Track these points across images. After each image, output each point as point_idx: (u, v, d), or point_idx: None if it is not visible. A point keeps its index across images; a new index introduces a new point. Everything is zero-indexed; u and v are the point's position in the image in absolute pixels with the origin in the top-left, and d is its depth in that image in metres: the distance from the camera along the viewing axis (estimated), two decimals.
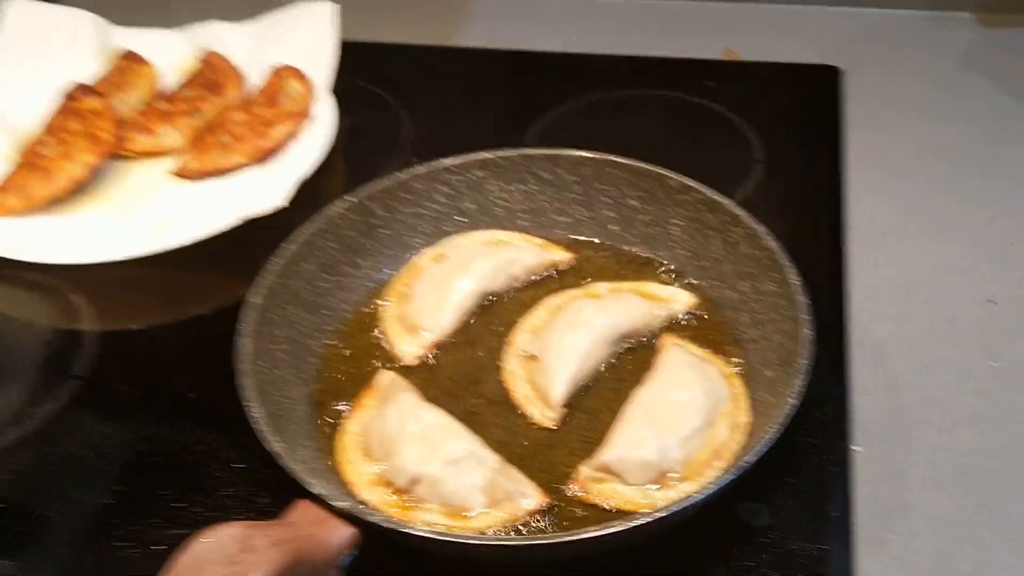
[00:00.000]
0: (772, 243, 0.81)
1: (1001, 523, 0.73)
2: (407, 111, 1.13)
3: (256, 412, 0.71)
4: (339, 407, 0.79)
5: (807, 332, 0.74)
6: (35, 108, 1.07)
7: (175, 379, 0.86)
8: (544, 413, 0.78)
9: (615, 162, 0.90)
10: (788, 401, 0.69)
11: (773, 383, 0.76)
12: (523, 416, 0.79)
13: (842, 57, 1.17)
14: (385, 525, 0.65)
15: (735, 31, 1.23)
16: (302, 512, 0.65)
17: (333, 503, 0.65)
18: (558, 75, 1.19)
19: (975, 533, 0.73)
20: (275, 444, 0.68)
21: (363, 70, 1.16)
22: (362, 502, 0.71)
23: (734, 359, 0.81)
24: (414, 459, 0.73)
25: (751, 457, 0.67)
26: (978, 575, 0.70)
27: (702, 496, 0.65)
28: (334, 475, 0.74)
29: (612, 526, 0.64)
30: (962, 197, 0.99)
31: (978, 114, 1.09)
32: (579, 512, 0.71)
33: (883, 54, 1.18)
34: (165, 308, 0.93)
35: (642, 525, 0.64)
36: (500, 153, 0.92)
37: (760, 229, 0.82)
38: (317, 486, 0.66)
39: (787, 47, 1.20)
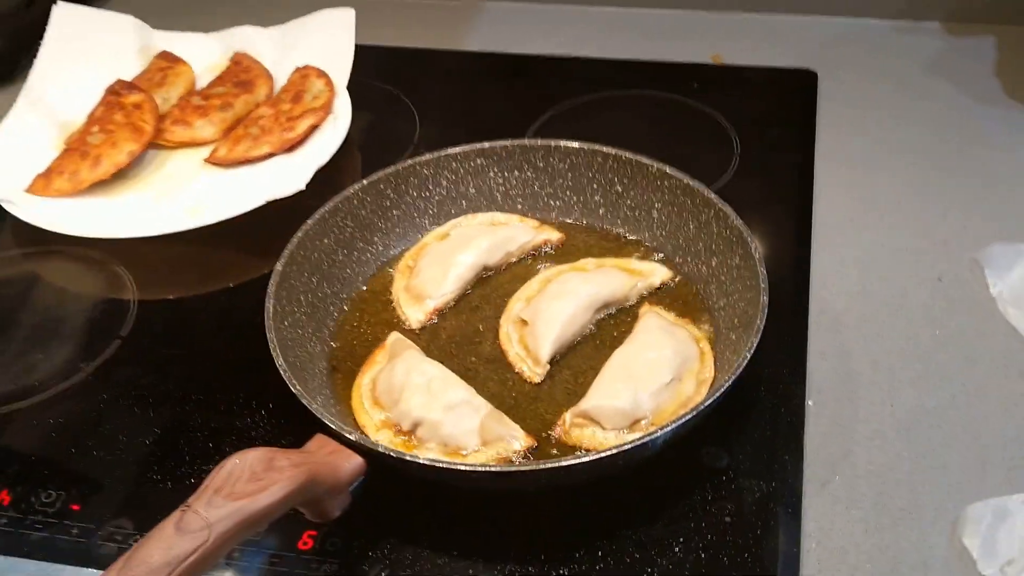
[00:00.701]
0: (738, 222, 0.90)
1: (937, 471, 0.82)
2: (416, 108, 1.24)
3: (280, 360, 0.81)
4: (352, 363, 0.90)
5: (764, 299, 0.83)
6: (80, 102, 1.18)
7: (206, 340, 0.96)
8: (532, 369, 0.88)
9: (602, 152, 1.00)
10: (744, 355, 0.79)
11: (735, 344, 0.85)
12: (515, 373, 0.89)
13: (818, 61, 1.26)
14: (391, 454, 0.75)
15: (721, 38, 1.33)
16: (319, 443, 0.76)
17: (345, 435, 0.75)
18: (556, 77, 1.29)
19: (911, 478, 0.82)
20: (297, 386, 0.79)
21: (376, 71, 1.26)
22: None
23: (703, 324, 0.91)
24: (417, 405, 0.83)
25: (709, 401, 0.76)
26: (911, 512, 0.79)
27: (662, 433, 0.74)
28: (347, 419, 0.84)
29: (585, 456, 0.74)
30: (919, 190, 1.08)
31: (941, 116, 1.18)
32: (560, 452, 0.81)
33: (856, 59, 1.28)
34: (198, 280, 1.04)
35: (611, 456, 0.74)
36: (499, 143, 1.02)
37: (729, 210, 0.92)
38: (331, 421, 0.76)
39: (768, 52, 1.30)
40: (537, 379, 0.88)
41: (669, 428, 0.74)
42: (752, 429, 0.85)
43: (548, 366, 0.88)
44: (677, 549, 0.76)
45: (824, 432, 0.86)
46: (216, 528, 0.65)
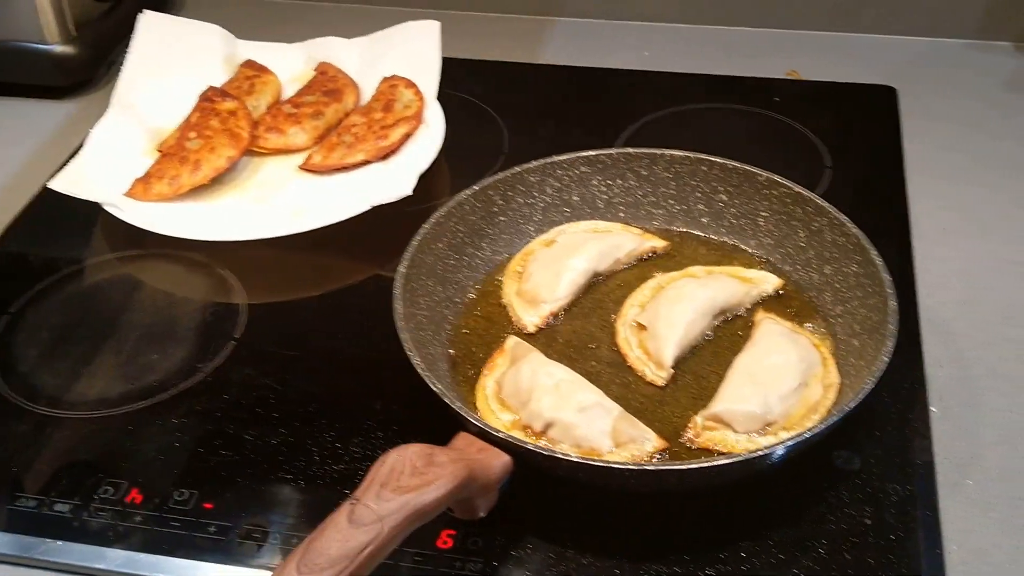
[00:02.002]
0: (855, 230, 0.91)
1: None
2: (502, 119, 1.25)
3: (417, 360, 0.81)
4: (472, 366, 0.90)
5: (893, 304, 0.84)
6: (170, 109, 1.18)
7: (321, 342, 0.96)
8: (656, 373, 0.89)
9: (708, 160, 1.01)
10: (881, 358, 0.79)
11: (860, 349, 0.86)
12: (637, 376, 0.89)
13: (895, 79, 1.28)
14: (540, 451, 0.75)
15: (797, 55, 1.35)
16: (465, 441, 0.76)
17: (494, 433, 0.75)
18: (638, 90, 1.30)
19: None
20: (437, 384, 0.79)
21: (459, 83, 1.27)
22: None
23: (820, 330, 0.91)
24: (549, 407, 0.83)
25: (852, 403, 0.77)
26: None
27: (803, 437, 0.74)
28: (478, 419, 0.84)
29: (731, 457, 0.75)
30: (1015, 202, 1.10)
31: (1021, 130, 1.20)
32: (691, 455, 0.81)
33: (932, 77, 1.29)
34: (305, 284, 1.03)
35: (752, 459, 0.74)
36: (603, 151, 1.03)
37: (844, 218, 0.92)
38: (476, 419, 0.76)
39: (845, 70, 1.31)
40: (661, 382, 0.88)
41: (820, 428, 0.75)
42: (881, 434, 0.85)
43: (672, 369, 0.89)
44: (822, 550, 0.76)
45: (951, 437, 0.86)
46: (388, 521, 0.65)
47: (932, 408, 0.88)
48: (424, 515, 0.67)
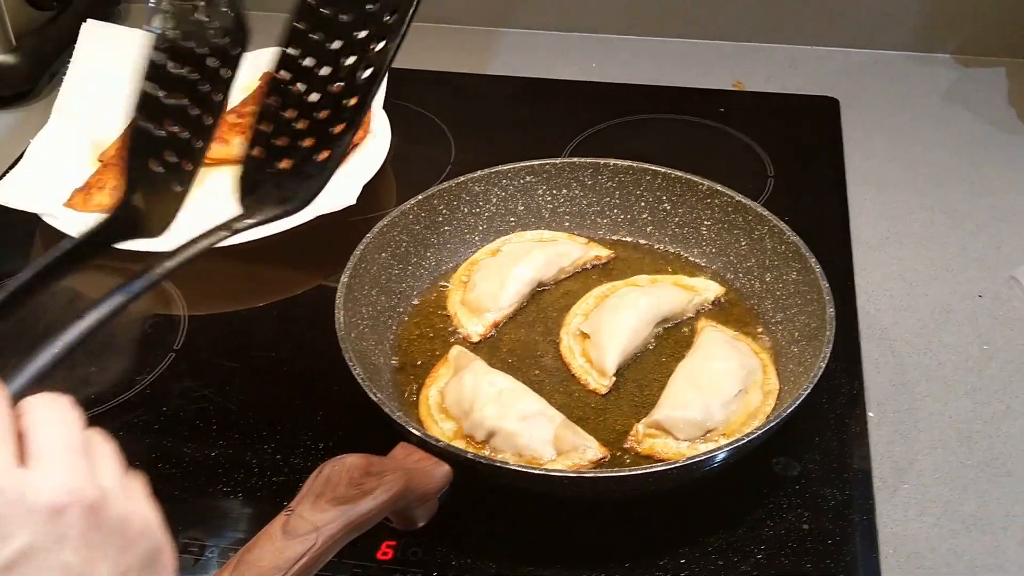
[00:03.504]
0: (795, 238, 0.92)
1: (999, 477, 0.84)
2: (449, 130, 1.25)
3: (358, 371, 0.80)
4: (415, 376, 0.89)
5: (831, 311, 0.85)
6: (112, 120, 1.17)
7: (262, 354, 0.95)
8: (598, 381, 0.89)
9: (651, 170, 1.02)
10: (819, 364, 0.80)
11: (799, 356, 0.87)
12: (579, 384, 0.89)
13: (837, 90, 1.30)
14: (480, 460, 0.75)
15: (742, 66, 1.36)
16: (405, 451, 0.75)
17: (433, 442, 0.75)
18: (585, 102, 1.30)
19: (976, 485, 0.83)
20: (377, 394, 0.78)
21: (407, 93, 1.27)
22: None
23: (761, 338, 0.92)
24: (491, 416, 0.82)
25: (788, 409, 0.77)
26: (979, 516, 0.81)
27: (742, 442, 0.75)
28: (420, 429, 0.84)
29: (670, 463, 0.75)
30: (951, 211, 1.12)
31: (962, 141, 1.22)
32: (634, 462, 0.82)
33: (874, 88, 1.31)
34: (246, 295, 1.03)
35: (689, 465, 0.75)
36: (548, 161, 1.04)
37: (783, 226, 0.94)
38: (416, 429, 0.76)
39: (789, 81, 1.33)
40: (603, 390, 0.88)
41: (757, 435, 0.75)
42: (820, 440, 0.86)
43: (614, 378, 0.89)
44: (760, 556, 0.77)
45: (888, 442, 0.87)
46: (323, 532, 0.65)
47: (870, 413, 0.89)
48: (360, 525, 0.67)
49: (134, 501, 0.47)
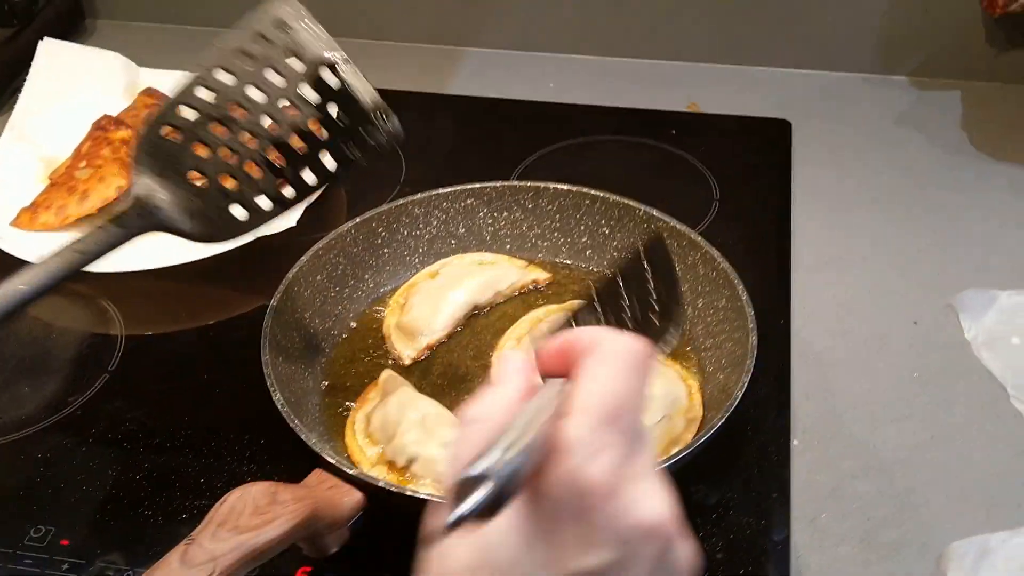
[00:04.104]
0: (725, 264, 0.93)
1: (921, 508, 0.84)
2: (401, 149, 1.25)
3: (278, 396, 0.81)
4: (345, 399, 0.90)
5: (753, 339, 0.86)
6: (65, 138, 1.18)
7: (196, 376, 0.96)
8: None
9: (590, 194, 1.03)
10: (736, 394, 0.81)
11: (723, 383, 0.87)
12: None
13: (792, 112, 1.30)
14: (391, 488, 0.75)
15: (697, 87, 1.37)
16: (318, 478, 0.76)
17: (345, 470, 0.75)
18: (540, 121, 1.31)
19: (896, 515, 0.84)
20: (296, 420, 0.79)
21: None
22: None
23: (689, 364, 0.93)
24: (412, 441, 0.83)
25: (704, 438, 0.78)
26: (898, 548, 0.81)
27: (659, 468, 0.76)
28: (342, 455, 0.84)
29: None
30: (894, 235, 1.12)
31: (912, 164, 1.22)
32: None
33: (828, 110, 1.32)
34: (186, 315, 1.03)
35: None
36: (489, 184, 1.04)
37: (715, 253, 0.94)
38: (331, 456, 0.77)
39: (743, 102, 1.33)
40: None
41: (665, 464, 0.76)
42: (740, 468, 0.86)
43: None
44: None
45: (810, 470, 0.87)
46: (221, 562, 0.65)
47: (794, 441, 0.89)
48: (260, 555, 0.67)
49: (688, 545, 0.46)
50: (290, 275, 0.93)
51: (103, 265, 1.01)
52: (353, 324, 0.98)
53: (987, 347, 0.97)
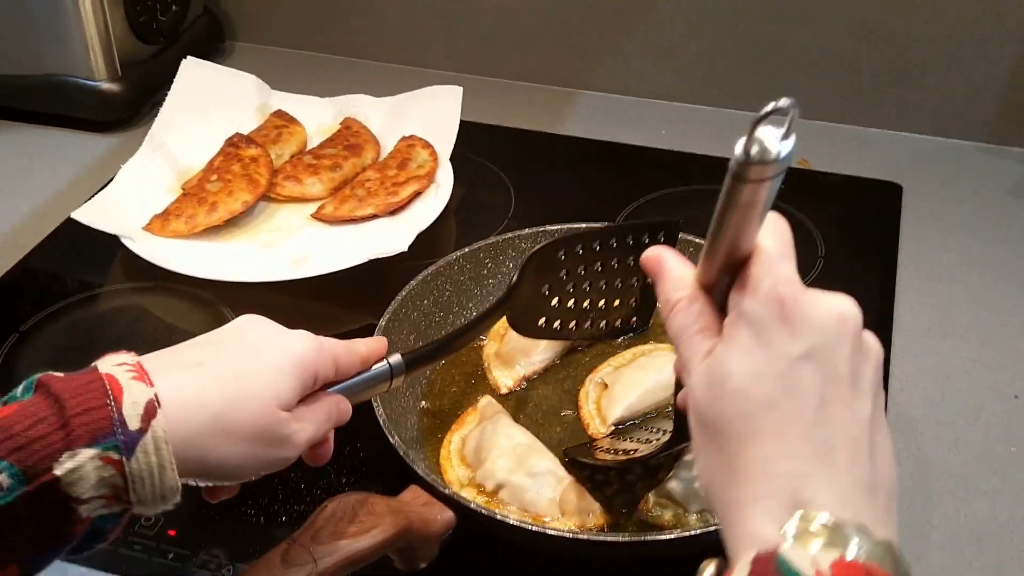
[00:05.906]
0: None
1: None
2: (512, 184, 1.29)
3: (380, 412, 0.85)
4: (441, 420, 0.94)
5: None
6: (199, 151, 1.26)
7: None
8: (598, 428, 0.92)
9: (693, 242, 1.04)
10: None
11: None
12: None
13: (904, 176, 1.30)
14: (482, 511, 0.78)
15: (810, 144, 1.37)
16: (413, 494, 0.79)
17: (440, 489, 0.79)
18: (649, 167, 1.34)
19: None
20: (395, 436, 0.83)
21: (477, 146, 1.32)
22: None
23: None
24: (502, 468, 0.86)
25: None
26: None
27: None
28: (437, 474, 0.88)
29: (667, 534, 0.77)
30: (999, 308, 1.11)
31: (1020, 236, 1.21)
32: (637, 529, 0.84)
33: (941, 177, 1.31)
34: (296, 328, 1.08)
35: (685, 537, 0.77)
36: (592, 225, 1.07)
37: None
38: (426, 473, 0.80)
39: (855, 163, 1.34)
40: (597, 436, 0.91)
41: None
42: None
43: (612, 427, 0.91)
44: None
45: (901, 539, 0.87)
46: (321, 563, 0.69)
47: None
48: (357, 561, 0.71)
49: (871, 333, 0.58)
50: (399, 297, 0.97)
51: (224, 274, 1.09)
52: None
53: None
